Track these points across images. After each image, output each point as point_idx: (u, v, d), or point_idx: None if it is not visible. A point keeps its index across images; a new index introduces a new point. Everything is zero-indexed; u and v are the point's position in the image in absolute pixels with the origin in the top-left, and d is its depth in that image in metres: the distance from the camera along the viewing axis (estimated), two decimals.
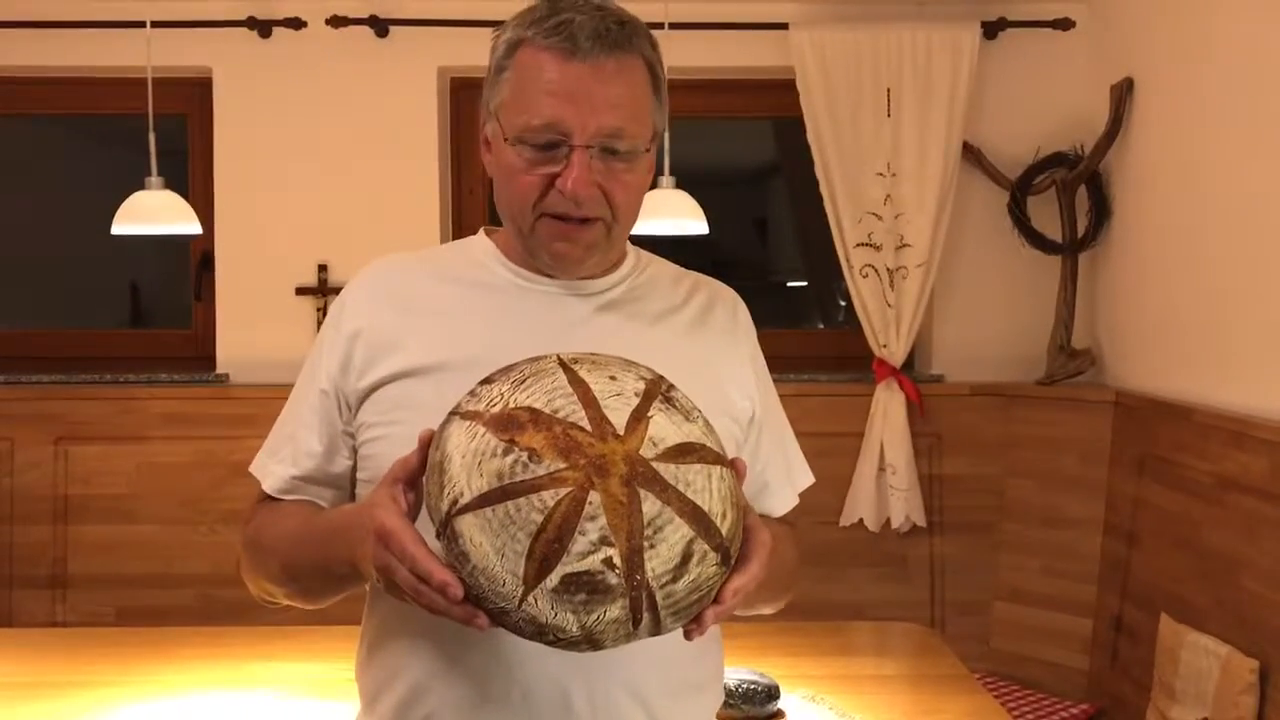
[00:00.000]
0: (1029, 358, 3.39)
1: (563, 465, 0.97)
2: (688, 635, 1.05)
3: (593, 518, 0.96)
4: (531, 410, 1.01)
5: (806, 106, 3.30)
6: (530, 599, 0.96)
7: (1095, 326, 3.37)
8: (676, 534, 0.99)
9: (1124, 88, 3.11)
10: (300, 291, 3.42)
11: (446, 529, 0.99)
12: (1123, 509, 3.04)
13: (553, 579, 0.96)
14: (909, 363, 3.43)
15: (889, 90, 3.29)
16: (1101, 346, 3.33)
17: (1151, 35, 3.04)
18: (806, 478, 1.49)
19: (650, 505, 0.98)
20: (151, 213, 2.90)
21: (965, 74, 3.28)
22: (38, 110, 3.75)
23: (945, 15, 3.35)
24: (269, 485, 1.33)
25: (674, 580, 0.99)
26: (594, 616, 0.97)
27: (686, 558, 0.99)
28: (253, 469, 1.36)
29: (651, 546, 0.97)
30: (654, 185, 2.94)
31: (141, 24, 3.05)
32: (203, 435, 3.34)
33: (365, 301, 1.31)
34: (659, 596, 0.98)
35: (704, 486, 1.02)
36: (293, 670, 2.24)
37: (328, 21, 3.36)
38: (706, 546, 1.01)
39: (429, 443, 1.06)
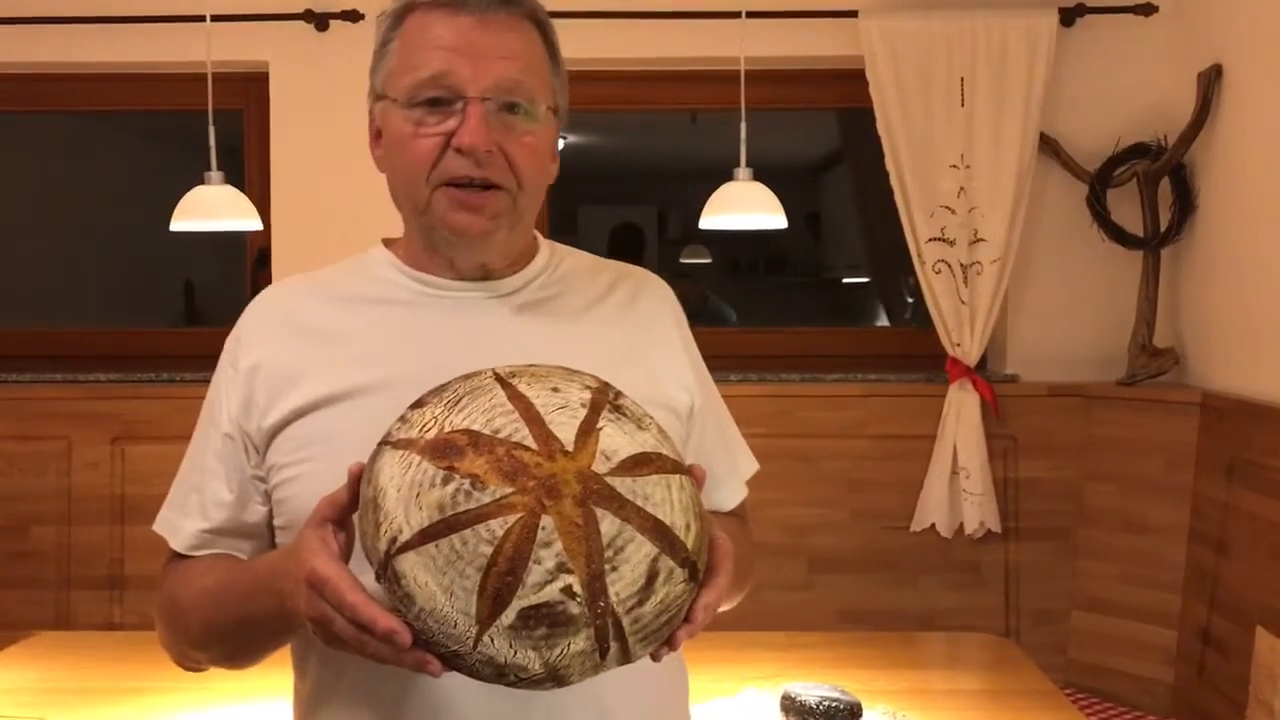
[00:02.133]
0: (1108, 357, 3.26)
1: (509, 490, 0.89)
2: (655, 657, 0.96)
3: (547, 544, 0.88)
4: (470, 432, 0.92)
5: (877, 97, 3.20)
6: (486, 639, 0.87)
7: (1178, 325, 3.24)
8: (639, 553, 0.90)
9: (1211, 75, 2.98)
10: None
11: (387, 570, 0.90)
12: (1210, 515, 2.91)
13: (509, 615, 0.87)
14: (981, 362, 3.32)
15: (962, 80, 3.18)
16: (1185, 345, 3.20)
17: (1242, 20, 2.90)
18: (751, 465, 1.41)
19: (609, 524, 0.90)
20: (211, 208, 2.85)
21: (1042, 63, 3.16)
22: (92, 108, 3.74)
23: (1021, 2, 3.23)
24: (179, 543, 1.23)
25: (640, 603, 0.90)
26: (557, 651, 0.88)
27: (652, 577, 0.91)
28: (157, 527, 1.26)
29: (614, 569, 0.89)
30: (731, 177, 2.86)
31: (201, 18, 3.01)
32: None
33: (260, 333, 1.22)
34: (625, 622, 0.90)
35: (664, 498, 0.94)
36: None
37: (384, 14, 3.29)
38: (672, 563, 0.92)
39: (359, 477, 0.96)
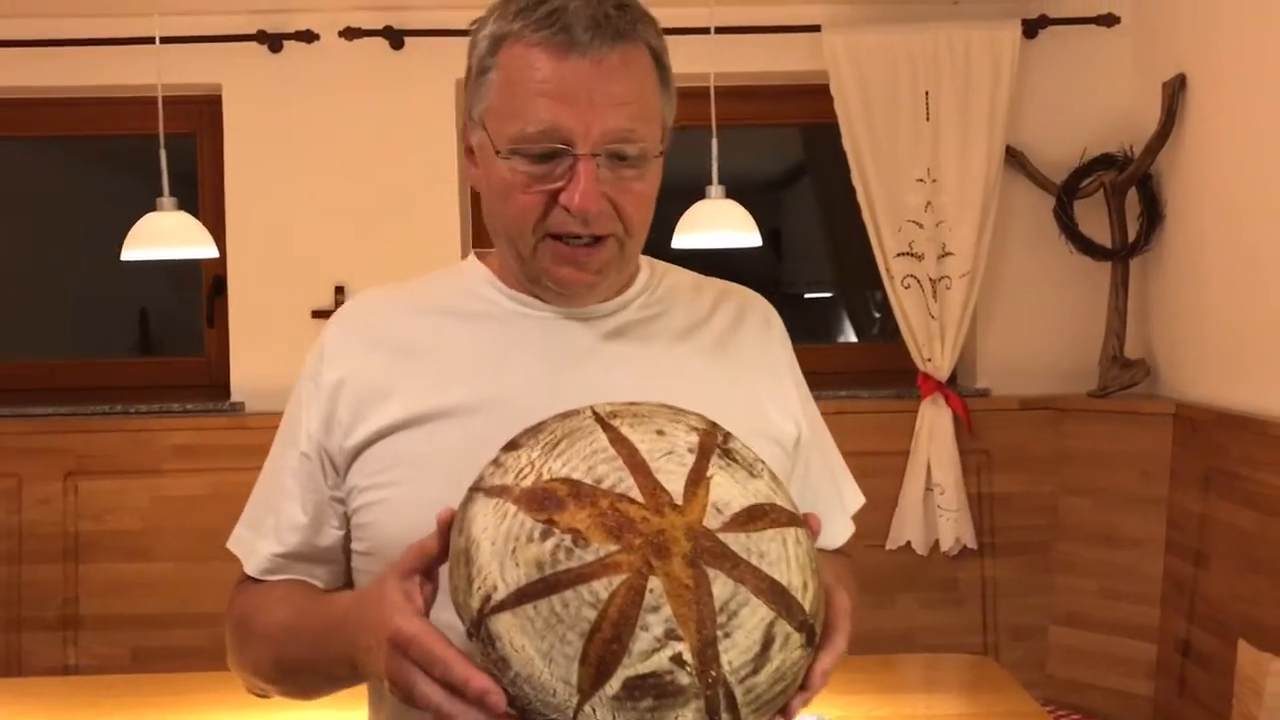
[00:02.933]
0: (1080, 369, 3.24)
1: (614, 548, 0.82)
2: None
3: (655, 608, 0.81)
4: (570, 481, 0.85)
5: (841, 111, 3.17)
6: (588, 709, 0.80)
7: (1149, 335, 3.23)
8: (754, 617, 0.83)
9: (1176, 85, 2.97)
10: (316, 314, 3.28)
11: (480, 630, 0.83)
12: (1187, 527, 2.88)
13: (613, 684, 0.80)
14: (951, 377, 3.29)
15: (927, 93, 3.16)
16: (1157, 356, 3.18)
17: (1205, 29, 2.90)
18: (857, 499, 1.33)
19: (721, 586, 0.83)
20: (164, 236, 2.77)
21: (1006, 75, 3.15)
22: (40, 132, 3.64)
23: (983, 14, 3.22)
24: (252, 567, 1.16)
25: (754, 672, 0.83)
26: None
27: (768, 644, 0.84)
28: (231, 545, 1.19)
29: (727, 635, 0.82)
30: (702, 195, 2.82)
31: (150, 40, 2.93)
32: (218, 467, 3.20)
33: (346, 347, 1.14)
34: (738, 693, 0.83)
35: (780, 556, 0.87)
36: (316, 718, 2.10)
37: (341, 34, 3.24)
38: (789, 627, 0.85)
39: (448, 524, 0.89)
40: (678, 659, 0.80)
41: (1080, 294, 3.27)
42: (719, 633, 0.82)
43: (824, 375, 3.43)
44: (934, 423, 3.18)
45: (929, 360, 3.19)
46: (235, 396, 3.32)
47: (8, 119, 3.50)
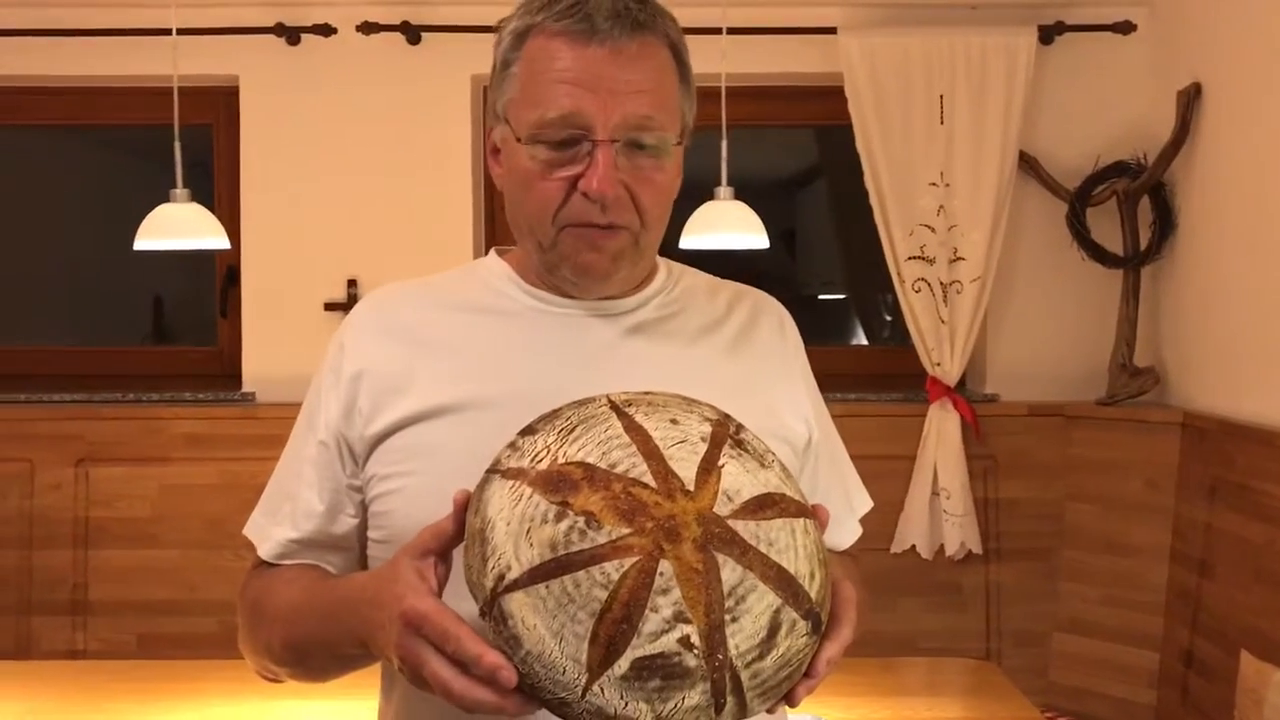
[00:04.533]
0: (1089, 376, 3.24)
1: (626, 531, 0.84)
2: (771, 710, 0.90)
3: (665, 591, 0.82)
4: (585, 465, 0.87)
5: (855, 114, 3.17)
6: (596, 688, 0.82)
7: (1159, 344, 3.22)
8: (761, 603, 0.85)
9: (1191, 93, 2.96)
10: (329, 307, 3.30)
11: (493, 609, 0.85)
12: (1192, 536, 2.88)
13: (621, 665, 0.82)
14: (960, 382, 3.29)
15: (941, 97, 3.16)
16: (1166, 365, 3.18)
17: (1220, 38, 2.90)
18: (866, 502, 1.34)
19: (730, 572, 0.85)
20: (176, 226, 2.78)
21: (1021, 80, 3.15)
22: (58, 121, 3.67)
23: (999, 19, 3.22)
24: (265, 551, 1.18)
25: (760, 657, 0.85)
26: (670, 704, 0.83)
27: (774, 630, 0.86)
28: (247, 531, 1.21)
29: (734, 620, 0.84)
30: (712, 196, 2.83)
31: (167, 31, 2.95)
32: (228, 456, 3.22)
33: (367, 338, 1.16)
34: (744, 677, 0.84)
35: (788, 544, 0.88)
36: (321, 709, 2.11)
37: (358, 28, 3.25)
38: (795, 614, 0.87)
39: (464, 506, 0.91)
40: (685, 641, 0.82)
41: (1090, 301, 3.26)
42: (726, 617, 0.83)
43: (833, 377, 3.41)
44: (942, 427, 3.18)
45: (938, 364, 3.19)
46: (247, 387, 3.34)
47: (28, 106, 3.52)
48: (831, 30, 3.17)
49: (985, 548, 3.23)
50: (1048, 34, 3.22)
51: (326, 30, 3.27)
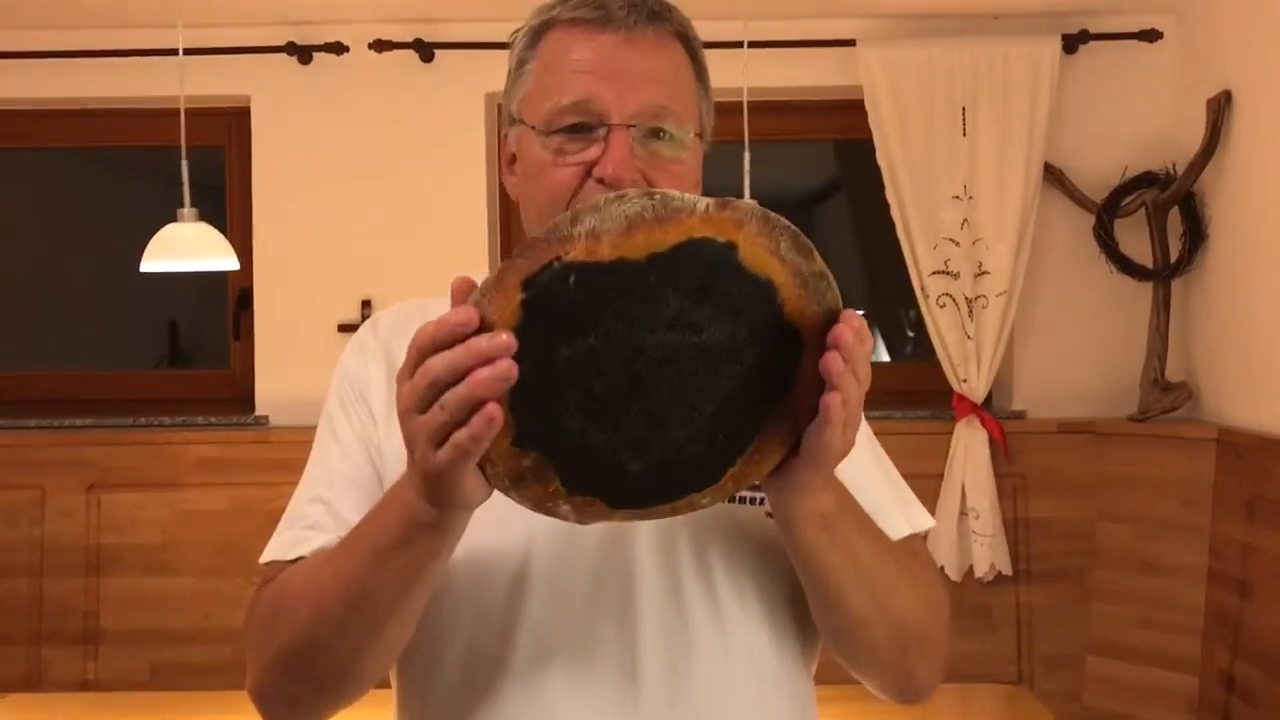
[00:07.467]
0: (1119, 392, 3.16)
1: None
2: None
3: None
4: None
5: (876, 127, 3.12)
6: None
7: (1191, 358, 3.15)
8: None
9: (1221, 101, 2.90)
10: (343, 329, 3.25)
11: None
12: (1230, 556, 2.80)
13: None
14: (987, 399, 3.22)
15: (964, 109, 3.10)
16: (1199, 379, 3.10)
17: (1251, 44, 2.83)
18: (925, 519, 1.22)
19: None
20: (184, 247, 2.74)
21: (1045, 91, 3.09)
22: (68, 144, 3.65)
23: (1022, 29, 3.16)
24: (293, 552, 1.10)
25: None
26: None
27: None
28: (267, 553, 1.13)
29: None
30: None
31: (174, 52, 2.91)
32: (241, 481, 3.17)
33: (378, 349, 1.17)
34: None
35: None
36: None
37: (371, 46, 3.21)
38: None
39: (464, 292, 0.85)
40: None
41: (1120, 315, 3.19)
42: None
43: None
44: (969, 445, 3.11)
45: (964, 381, 3.13)
46: (260, 410, 3.29)
47: (43, 129, 3.50)
48: (851, 43, 3.12)
49: (1015, 569, 3.16)
50: (1072, 43, 3.16)
51: (339, 49, 3.23)
